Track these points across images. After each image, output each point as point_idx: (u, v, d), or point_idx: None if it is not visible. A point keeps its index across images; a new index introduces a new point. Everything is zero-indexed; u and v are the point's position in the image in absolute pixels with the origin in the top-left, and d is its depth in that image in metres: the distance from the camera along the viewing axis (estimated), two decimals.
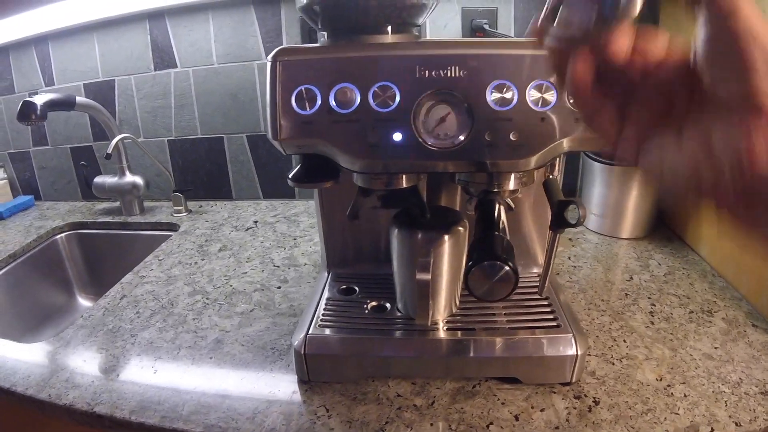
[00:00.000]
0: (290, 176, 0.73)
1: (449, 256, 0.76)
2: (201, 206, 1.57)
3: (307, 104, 0.64)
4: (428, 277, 0.70)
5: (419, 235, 0.75)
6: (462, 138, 0.64)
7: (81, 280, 1.56)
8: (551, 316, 0.82)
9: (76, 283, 1.55)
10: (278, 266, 1.16)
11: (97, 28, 1.50)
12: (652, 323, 0.89)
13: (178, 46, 1.47)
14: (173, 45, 1.47)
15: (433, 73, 0.63)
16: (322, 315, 0.83)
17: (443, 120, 0.64)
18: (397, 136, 0.63)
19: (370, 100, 0.63)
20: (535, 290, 0.89)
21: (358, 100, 0.63)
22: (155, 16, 1.45)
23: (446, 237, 0.75)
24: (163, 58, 1.49)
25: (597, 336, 0.87)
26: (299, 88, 0.64)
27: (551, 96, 0.63)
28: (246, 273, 1.13)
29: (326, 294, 0.89)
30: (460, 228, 0.76)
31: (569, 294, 1.00)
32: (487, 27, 1.26)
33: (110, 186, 1.50)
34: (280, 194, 1.62)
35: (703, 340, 0.83)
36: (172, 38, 1.46)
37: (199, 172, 1.61)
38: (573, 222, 0.68)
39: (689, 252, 1.15)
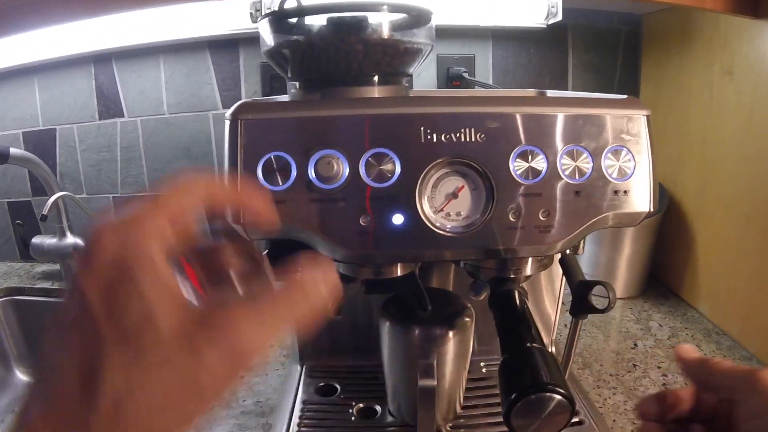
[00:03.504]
0: None
1: (454, 355, 0.59)
2: None
3: (278, 177, 0.46)
4: (433, 383, 0.54)
5: (416, 332, 0.58)
6: (478, 218, 0.48)
7: (18, 352, 1.33)
8: None
9: (12, 354, 1.32)
10: None
11: (38, 71, 1.30)
12: None
13: (125, 94, 1.28)
14: (120, 92, 1.28)
15: (443, 136, 0.46)
16: (299, 423, 0.65)
17: (454, 196, 0.48)
18: (398, 219, 0.46)
19: (362, 173, 0.46)
20: None
21: (347, 172, 0.46)
22: (101, 60, 1.26)
23: (450, 333, 0.58)
24: (109, 107, 1.29)
25: (614, 420, 0.74)
26: (267, 156, 0.46)
27: (587, 164, 0.48)
28: None
29: (301, 395, 0.70)
30: (466, 319, 0.60)
31: (574, 369, 0.85)
32: (466, 75, 1.12)
33: (49, 248, 1.28)
34: None
35: None
36: (119, 84, 1.27)
37: None
38: (601, 308, 0.54)
39: (687, 309, 1.06)
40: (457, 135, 0.46)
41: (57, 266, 1.34)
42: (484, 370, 0.75)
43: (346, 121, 0.46)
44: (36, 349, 1.32)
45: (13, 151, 1.13)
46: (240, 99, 1.21)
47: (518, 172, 0.47)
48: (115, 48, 1.23)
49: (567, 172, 0.48)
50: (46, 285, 1.30)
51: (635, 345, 0.93)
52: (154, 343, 0.25)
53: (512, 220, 0.47)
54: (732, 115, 0.92)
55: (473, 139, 0.46)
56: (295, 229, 0.48)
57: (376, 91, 0.56)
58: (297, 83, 0.59)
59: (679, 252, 1.09)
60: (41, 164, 1.21)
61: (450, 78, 1.15)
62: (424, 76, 1.19)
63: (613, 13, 1.17)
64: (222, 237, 0.34)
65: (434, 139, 0.46)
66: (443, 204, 0.47)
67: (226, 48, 1.21)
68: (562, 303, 0.80)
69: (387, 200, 0.46)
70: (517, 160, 0.47)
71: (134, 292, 0.25)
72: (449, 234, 0.47)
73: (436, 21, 1.07)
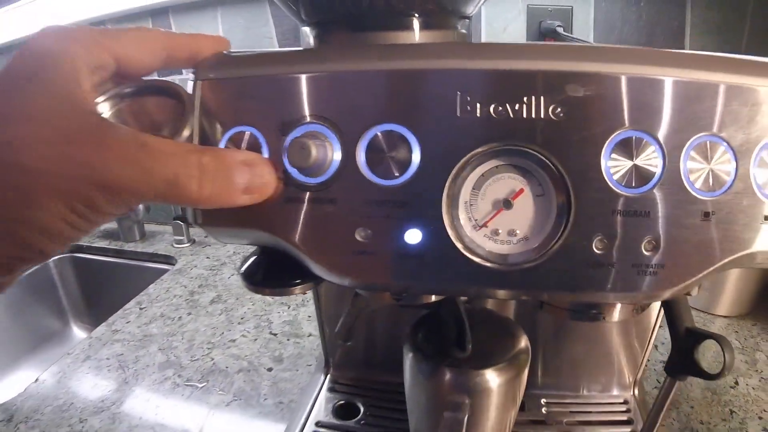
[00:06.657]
0: (241, 271, 0.39)
1: (496, 404, 0.41)
2: (206, 236, 1.24)
3: None
4: None
5: (447, 376, 0.40)
6: (542, 243, 0.29)
7: (75, 308, 1.27)
8: None
9: (70, 310, 1.27)
10: (275, 334, 0.81)
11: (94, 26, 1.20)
12: None
13: None
14: None
15: (493, 109, 0.27)
16: None
17: (507, 204, 0.29)
18: (413, 236, 0.28)
19: (360, 162, 0.28)
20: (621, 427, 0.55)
21: (338, 159, 0.28)
22: (158, 13, 1.15)
23: (492, 381, 0.39)
24: None
25: None
26: (231, 132, 0.29)
27: (727, 166, 0.27)
28: (234, 341, 0.79)
29: (316, 412, 0.54)
30: (519, 358, 0.41)
31: None
32: (561, 31, 0.89)
33: None
34: None
35: None
36: None
37: None
38: (712, 373, 0.35)
39: None
40: (517, 107, 0.27)
41: (115, 225, 1.26)
42: (544, 410, 0.56)
43: (340, 82, 0.28)
44: (93, 306, 1.26)
45: None
46: None
47: (614, 175, 0.27)
48: (171, 0, 1.10)
49: (695, 180, 0.27)
50: (104, 244, 1.23)
51: (736, 383, 0.69)
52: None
53: (597, 251, 0.28)
54: None
55: (543, 115, 0.27)
56: (266, 237, 0.31)
57: (416, 38, 0.37)
58: (309, 30, 0.41)
59: None
60: None
61: (542, 34, 0.92)
62: (510, 31, 0.96)
63: None
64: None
65: (477, 113, 0.27)
66: (489, 216, 0.29)
67: None
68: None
69: (397, 207, 0.28)
70: (614, 154, 0.27)
71: (43, 83, 0.24)
72: (492, 266, 0.28)
73: None
